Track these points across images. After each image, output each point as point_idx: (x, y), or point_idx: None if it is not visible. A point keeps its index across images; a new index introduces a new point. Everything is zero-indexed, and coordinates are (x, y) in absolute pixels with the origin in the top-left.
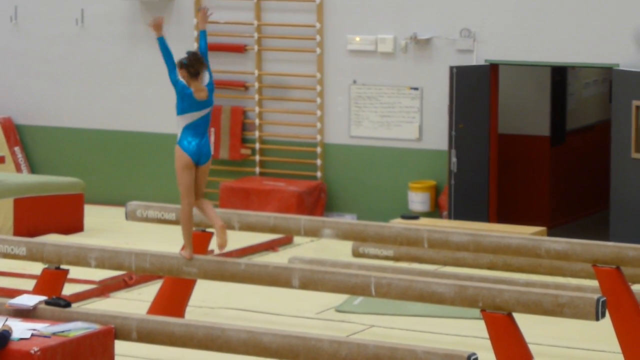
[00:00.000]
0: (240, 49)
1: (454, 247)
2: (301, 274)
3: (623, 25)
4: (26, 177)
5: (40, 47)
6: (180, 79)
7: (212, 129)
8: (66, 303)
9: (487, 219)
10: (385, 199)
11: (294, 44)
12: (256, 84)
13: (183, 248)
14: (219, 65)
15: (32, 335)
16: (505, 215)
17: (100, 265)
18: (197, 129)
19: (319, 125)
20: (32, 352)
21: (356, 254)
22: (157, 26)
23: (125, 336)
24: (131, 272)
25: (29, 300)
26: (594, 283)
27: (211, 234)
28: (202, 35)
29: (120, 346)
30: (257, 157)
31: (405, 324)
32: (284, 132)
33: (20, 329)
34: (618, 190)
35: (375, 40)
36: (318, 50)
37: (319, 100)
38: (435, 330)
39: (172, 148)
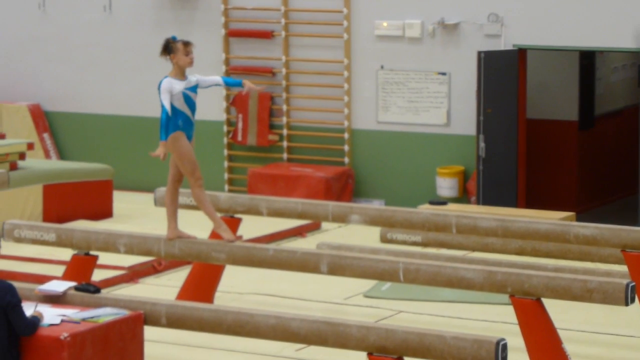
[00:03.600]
0: (267, 35)
1: (483, 232)
2: (329, 260)
3: None
4: (55, 164)
5: (68, 34)
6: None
7: (240, 115)
8: (95, 289)
9: (515, 204)
10: (413, 185)
11: (321, 29)
12: (283, 70)
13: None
14: (246, 52)
15: (62, 321)
16: (534, 201)
17: (129, 251)
18: None
19: (346, 111)
20: (62, 337)
21: (384, 239)
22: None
23: (155, 322)
24: (160, 258)
25: (58, 286)
26: (623, 268)
27: (240, 219)
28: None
29: (149, 332)
30: (285, 143)
31: (434, 309)
32: (312, 118)
33: (50, 314)
34: None
35: (403, 26)
36: (345, 35)
37: (346, 86)
38: (464, 316)
39: (200, 134)
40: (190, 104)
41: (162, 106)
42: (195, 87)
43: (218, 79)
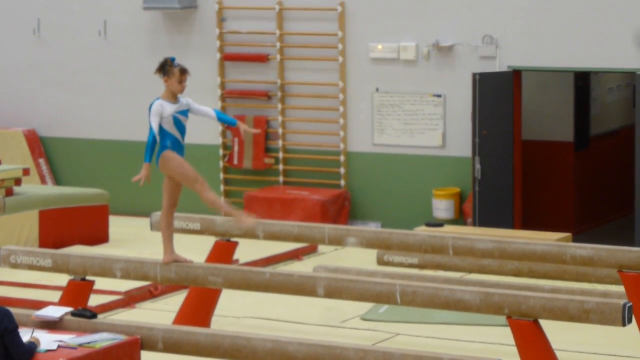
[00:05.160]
0: (262, 59)
1: (479, 254)
2: (326, 283)
3: None
4: (51, 189)
5: (63, 59)
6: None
7: (236, 139)
8: (92, 314)
9: (511, 225)
10: (410, 207)
11: (316, 52)
12: (279, 93)
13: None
14: (242, 75)
15: (59, 346)
16: (530, 222)
17: (126, 276)
18: None
19: (342, 133)
20: None
21: (381, 262)
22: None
23: (151, 347)
24: (156, 283)
25: (55, 312)
26: (620, 288)
27: (236, 243)
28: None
29: (146, 356)
30: (281, 166)
31: (431, 331)
32: (307, 140)
33: (46, 340)
34: None
35: (398, 48)
36: (340, 58)
37: (341, 108)
38: (461, 338)
39: (196, 157)
40: (180, 127)
41: (150, 128)
42: (186, 111)
43: (211, 112)
